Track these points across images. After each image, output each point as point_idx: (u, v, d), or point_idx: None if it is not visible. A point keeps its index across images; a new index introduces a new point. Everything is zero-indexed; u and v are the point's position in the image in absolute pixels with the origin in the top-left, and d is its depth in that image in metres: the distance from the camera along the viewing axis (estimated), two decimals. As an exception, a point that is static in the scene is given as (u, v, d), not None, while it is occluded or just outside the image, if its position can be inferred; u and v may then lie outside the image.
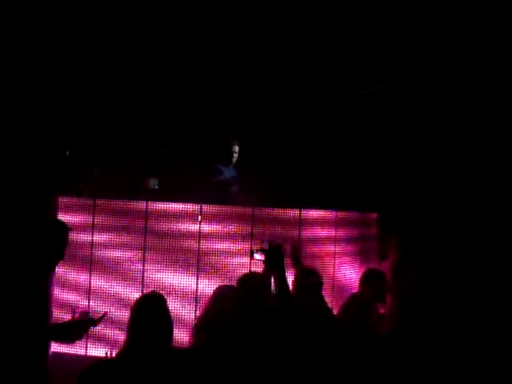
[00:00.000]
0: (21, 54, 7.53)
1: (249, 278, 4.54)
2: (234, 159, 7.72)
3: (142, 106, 8.61)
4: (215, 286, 4.56)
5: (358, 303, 4.54)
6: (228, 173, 7.67)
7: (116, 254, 6.31)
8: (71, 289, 6.28)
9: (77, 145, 8.10)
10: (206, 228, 6.24)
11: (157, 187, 7.61)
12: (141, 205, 6.33)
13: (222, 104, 8.75)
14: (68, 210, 6.44)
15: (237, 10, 7.88)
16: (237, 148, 7.71)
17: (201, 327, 4.31)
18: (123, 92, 8.46)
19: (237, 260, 6.14)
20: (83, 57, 8.06)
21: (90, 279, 6.28)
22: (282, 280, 3.81)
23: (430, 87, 8.13)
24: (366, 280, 5.30)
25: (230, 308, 4.30)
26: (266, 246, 4.01)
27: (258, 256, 4.04)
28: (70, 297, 6.24)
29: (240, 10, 7.87)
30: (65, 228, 4.26)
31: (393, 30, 7.74)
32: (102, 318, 3.98)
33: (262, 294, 4.37)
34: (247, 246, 6.11)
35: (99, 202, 6.41)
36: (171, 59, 8.38)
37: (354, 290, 5.95)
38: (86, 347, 6.14)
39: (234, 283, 4.61)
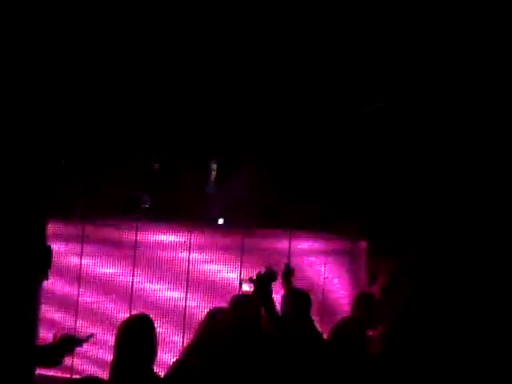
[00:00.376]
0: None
1: (240, 300, 4.57)
2: (213, 177, 7.84)
3: (132, 126, 8.64)
4: (204, 307, 4.57)
5: (350, 328, 4.57)
6: (209, 190, 7.77)
7: (106, 270, 6.31)
8: (59, 306, 6.24)
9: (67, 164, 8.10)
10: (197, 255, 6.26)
11: (148, 205, 7.62)
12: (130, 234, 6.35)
13: (207, 124, 8.78)
14: (57, 237, 6.44)
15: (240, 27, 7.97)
16: (215, 166, 7.85)
17: (192, 349, 4.30)
18: (113, 110, 8.50)
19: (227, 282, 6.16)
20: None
21: (78, 297, 6.25)
22: (270, 310, 3.86)
23: (417, 118, 8.25)
24: (357, 304, 5.30)
25: (222, 330, 4.30)
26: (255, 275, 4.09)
27: (246, 287, 4.09)
28: (56, 315, 6.20)
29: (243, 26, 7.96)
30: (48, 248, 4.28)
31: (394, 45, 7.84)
32: (89, 339, 3.95)
33: (253, 316, 4.38)
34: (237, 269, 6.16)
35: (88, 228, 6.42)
36: (164, 72, 8.43)
37: (344, 314, 5.96)
38: (72, 368, 6.07)
39: (224, 304, 4.64)
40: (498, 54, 7.37)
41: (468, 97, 7.89)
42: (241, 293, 4.30)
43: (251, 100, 8.43)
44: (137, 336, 3.84)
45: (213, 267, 6.23)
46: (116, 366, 3.72)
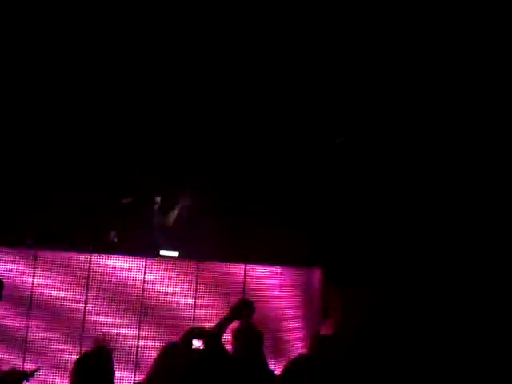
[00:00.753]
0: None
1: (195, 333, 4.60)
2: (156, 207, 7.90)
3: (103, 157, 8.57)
4: (158, 338, 4.55)
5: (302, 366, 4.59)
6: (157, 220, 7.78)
7: (56, 304, 6.16)
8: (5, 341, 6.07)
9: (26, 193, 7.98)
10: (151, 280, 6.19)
11: (116, 240, 7.59)
12: (84, 259, 6.23)
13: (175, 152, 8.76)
14: (7, 260, 6.29)
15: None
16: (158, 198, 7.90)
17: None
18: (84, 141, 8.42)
19: (180, 312, 6.11)
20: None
21: (28, 334, 6.08)
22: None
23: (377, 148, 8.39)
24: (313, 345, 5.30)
25: (180, 363, 4.31)
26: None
27: (196, 342, 4.12)
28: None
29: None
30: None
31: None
32: (36, 372, 3.86)
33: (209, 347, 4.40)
34: (191, 299, 6.13)
35: (40, 253, 6.28)
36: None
37: (298, 350, 6.00)
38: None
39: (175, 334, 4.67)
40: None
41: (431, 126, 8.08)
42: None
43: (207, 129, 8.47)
44: (94, 369, 3.78)
45: (168, 296, 6.18)
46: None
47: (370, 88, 7.90)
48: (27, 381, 3.77)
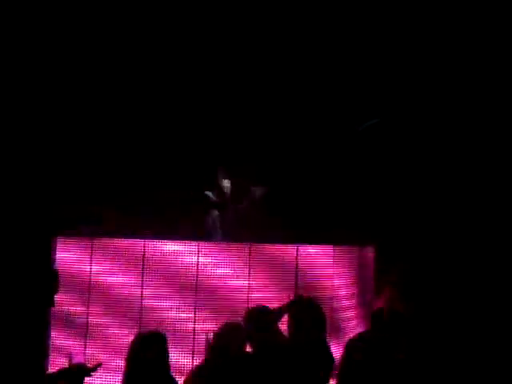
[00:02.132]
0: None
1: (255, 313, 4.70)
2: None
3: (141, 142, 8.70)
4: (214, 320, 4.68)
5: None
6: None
7: (114, 292, 6.31)
8: (68, 331, 6.27)
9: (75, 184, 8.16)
10: (205, 264, 6.26)
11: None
12: (138, 245, 6.35)
13: (217, 134, 8.82)
14: (66, 249, 6.48)
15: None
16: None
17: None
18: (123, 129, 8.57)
19: (234, 295, 6.17)
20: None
21: (88, 320, 6.26)
22: None
23: (423, 124, 8.23)
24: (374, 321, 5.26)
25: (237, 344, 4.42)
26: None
27: None
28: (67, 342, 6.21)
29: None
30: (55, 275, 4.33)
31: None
32: (97, 368, 3.97)
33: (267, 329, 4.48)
34: (245, 281, 6.18)
35: (97, 242, 6.44)
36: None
37: (352, 327, 5.98)
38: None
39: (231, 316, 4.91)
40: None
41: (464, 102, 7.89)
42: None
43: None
44: (148, 350, 3.89)
45: (222, 279, 6.25)
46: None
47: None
48: (89, 376, 3.90)
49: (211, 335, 4.59)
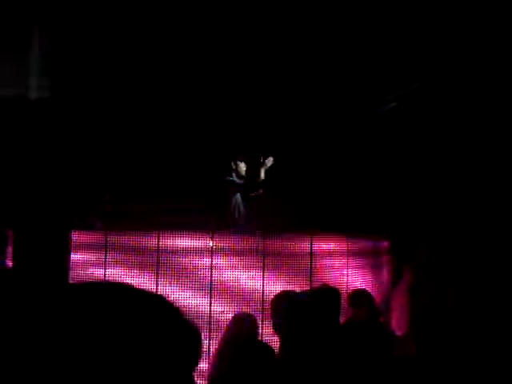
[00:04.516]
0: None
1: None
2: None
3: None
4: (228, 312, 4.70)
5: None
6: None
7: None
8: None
9: (89, 181, 8.20)
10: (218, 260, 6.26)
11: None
12: (152, 240, 6.36)
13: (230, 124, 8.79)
14: (80, 247, 6.50)
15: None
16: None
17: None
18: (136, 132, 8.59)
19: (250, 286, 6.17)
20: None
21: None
22: None
23: (441, 115, 8.13)
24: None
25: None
26: None
27: None
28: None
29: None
30: None
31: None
32: None
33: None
34: (259, 273, 6.16)
35: (111, 238, 6.44)
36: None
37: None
38: None
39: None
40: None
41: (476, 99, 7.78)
42: None
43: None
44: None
45: (236, 272, 6.24)
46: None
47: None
48: None
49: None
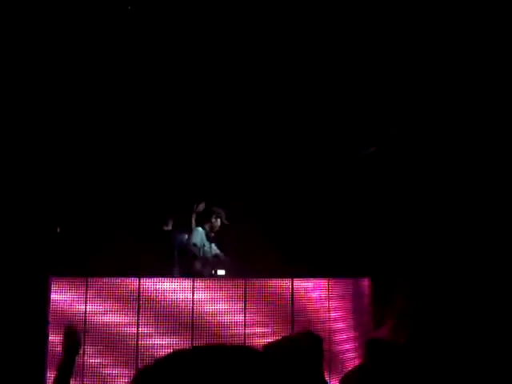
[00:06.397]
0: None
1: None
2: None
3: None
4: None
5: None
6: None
7: (110, 330, 6.25)
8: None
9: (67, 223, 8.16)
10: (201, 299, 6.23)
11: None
12: (133, 283, 6.32)
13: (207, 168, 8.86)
14: (60, 289, 6.43)
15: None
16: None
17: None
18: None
19: (231, 330, 6.13)
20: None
21: (84, 360, 6.16)
22: None
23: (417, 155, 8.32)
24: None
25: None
26: None
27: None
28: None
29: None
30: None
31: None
32: None
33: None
34: (241, 317, 6.14)
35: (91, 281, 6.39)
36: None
37: (350, 360, 5.93)
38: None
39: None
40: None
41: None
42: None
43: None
44: None
45: (217, 316, 6.21)
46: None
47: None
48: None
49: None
